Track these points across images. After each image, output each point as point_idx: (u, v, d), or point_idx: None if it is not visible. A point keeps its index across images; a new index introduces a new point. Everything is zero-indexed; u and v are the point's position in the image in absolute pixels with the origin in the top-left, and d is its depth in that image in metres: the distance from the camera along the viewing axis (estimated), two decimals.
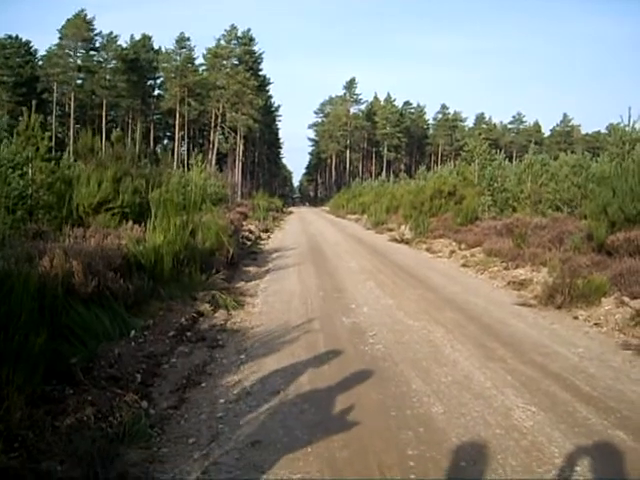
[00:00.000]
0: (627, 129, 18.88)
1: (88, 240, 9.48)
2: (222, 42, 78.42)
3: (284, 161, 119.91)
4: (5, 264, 4.79)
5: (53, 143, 22.38)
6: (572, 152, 26.87)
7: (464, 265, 14.94)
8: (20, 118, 13.17)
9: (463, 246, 17.44)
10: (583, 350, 7.11)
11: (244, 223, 25.62)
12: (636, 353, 6.99)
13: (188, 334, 7.56)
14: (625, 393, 5.56)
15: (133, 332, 6.94)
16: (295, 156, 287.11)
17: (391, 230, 26.87)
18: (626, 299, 9.00)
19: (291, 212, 58.82)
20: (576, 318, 8.87)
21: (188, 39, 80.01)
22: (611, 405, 5.20)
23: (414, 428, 4.63)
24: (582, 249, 12.29)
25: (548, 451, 4.25)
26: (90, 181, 12.48)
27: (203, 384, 5.79)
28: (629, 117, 18.23)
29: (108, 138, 21.63)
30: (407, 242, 21.61)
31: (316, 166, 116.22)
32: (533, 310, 9.47)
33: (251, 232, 23.16)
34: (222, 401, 5.29)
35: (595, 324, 8.48)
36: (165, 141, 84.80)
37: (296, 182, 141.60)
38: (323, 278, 12.79)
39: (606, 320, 8.51)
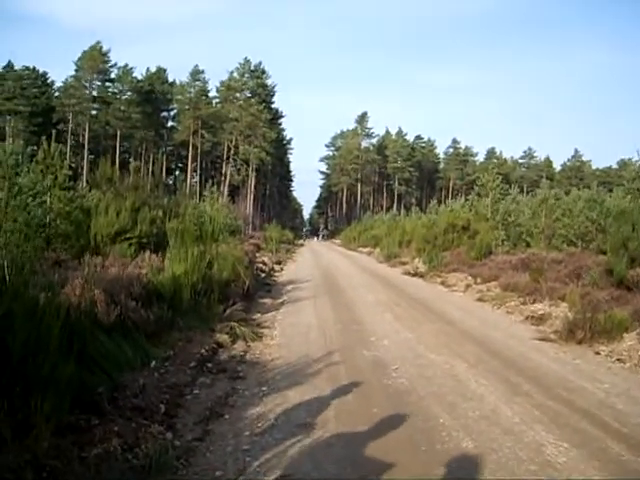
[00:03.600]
0: None
1: (107, 269, 9.49)
2: (235, 75, 79.33)
3: (295, 194, 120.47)
4: (34, 292, 4.77)
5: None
6: (587, 187, 26.84)
7: (480, 299, 14.83)
8: (35, 147, 13.31)
9: (478, 280, 17.35)
10: (608, 386, 7.02)
11: (257, 255, 25.64)
12: None
13: (209, 365, 7.51)
14: None
15: (154, 362, 6.90)
16: (305, 189, 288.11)
17: (404, 263, 26.82)
18: None
19: (302, 244, 58.99)
20: (598, 353, 8.78)
21: (202, 72, 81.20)
22: None
23: (446, 464, 4.55)
24: (601, 284, 12.21)
25: None
26: (108, 210, 12.55)
27: (226, 416, 5.72)
28: None
29: (121, 168, 21.77)
30: (421, 275, 21.54)
31: (327, 199, 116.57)
32: (554, 345, 9.37)
33: (265, 264, 23.16)
34: (247, 433, 5.21)
35: (618, 360, 8.39)
36: (177, 172, 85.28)
37: (306, 215, 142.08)
38: (340, 310, 12.73)
39: (629, 356, 8.42)
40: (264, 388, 6.68)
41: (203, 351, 7.95)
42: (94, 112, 74.15)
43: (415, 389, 6.68)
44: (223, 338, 8.90)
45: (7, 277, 4.35)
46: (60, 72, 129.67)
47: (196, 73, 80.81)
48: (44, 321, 4.49)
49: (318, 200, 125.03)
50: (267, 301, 13.81)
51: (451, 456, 4.70)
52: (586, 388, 6.89)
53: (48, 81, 74.51)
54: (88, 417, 4.84)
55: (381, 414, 5.69)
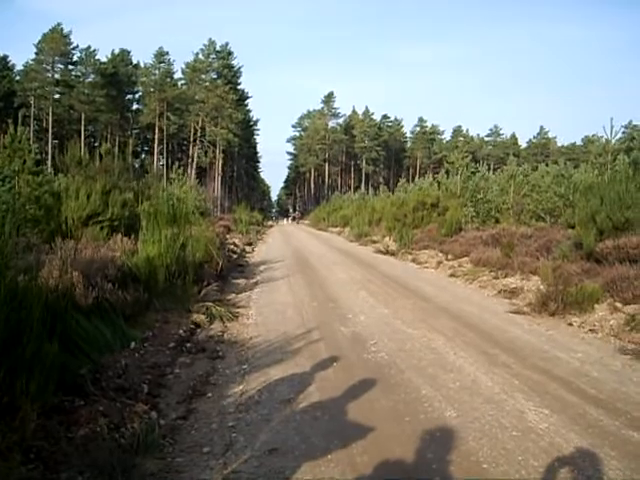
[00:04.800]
0: (606, 140, 19.09)
1: (81, 252, 9.40)
2: (200, 56, 78.59)
3: (262, 175, 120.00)
4: (13, 274, 4.72)
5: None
6: (554, 163, 27.14)
7: (452, 275, 14.97)
8: None
9: (450, 256, 17.48)
10: (582, 355, 7.15)
11: (228, 236, 25.56)
12: (634, 357, 7.04)
13: (187, 345, 7.53)
14: (631, 395, 5.59)
15: (133, 343, 6.88)
16: (273, 170, 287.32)
17: (375, 242, 26.92)
18: (619, 305, 9.10)
19: (272, 226, 59.00)
20: (571, 325, 8.93)
21: (167, 53, 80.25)
22: (619, 407, 5.24)
23: (431, 433, 4.62)
24: (571, 257, 12.36)
25: (567, 451, 4.27)
26: (79, 194, 12.39)
27: (209, 394, 5.74)
28: (611, 128, 18.36)
29: (88, 153, 21.48)
30: (393, 253, 21.63)
31: (295, 180, 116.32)
32: (527, 317, 9.51)
33: (236, 245, 23.10)
34: (231, 410, 5.25)
35: (590, 330, 8.53)
36: (143, 155, 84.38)
37: (274, 196, 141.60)
38: (314, 289, 12.77)
39: (601, 326, 8.58)
40: (245, 366, 6.71)
41: (181, 331, 7.97)
42: (57, 96, 72.68)
43: (395, 362, 6.74)
44: (200, 318, 8.91)
45: None
46: (20, 56, 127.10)
47: (160, 55, 79.80)
48: (25, 303, 4.45)
49: (286, 181, 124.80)
50: (241, 281, 13.80)
51: (435, 425, 4.77)
52: (561, 358, 7.02)
53: (9, 64, 72.83)
54: (72, 399, 4.84)
55: (363, 388, 5.74)
